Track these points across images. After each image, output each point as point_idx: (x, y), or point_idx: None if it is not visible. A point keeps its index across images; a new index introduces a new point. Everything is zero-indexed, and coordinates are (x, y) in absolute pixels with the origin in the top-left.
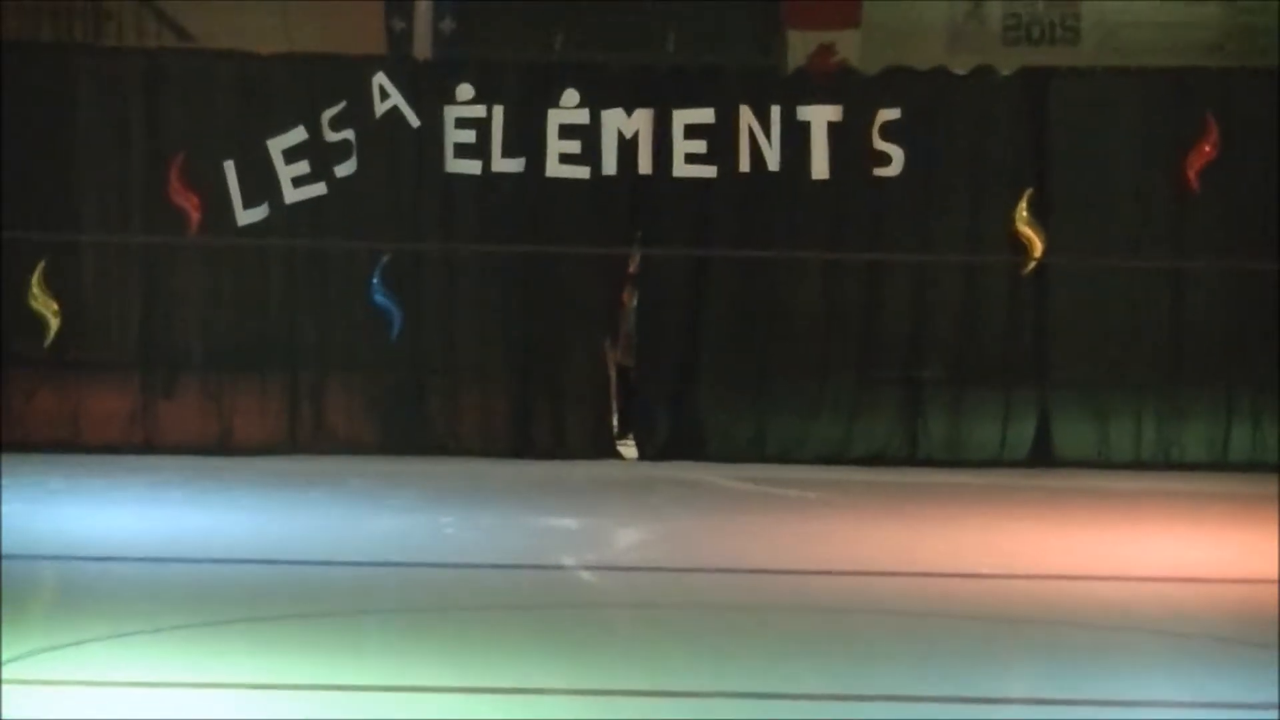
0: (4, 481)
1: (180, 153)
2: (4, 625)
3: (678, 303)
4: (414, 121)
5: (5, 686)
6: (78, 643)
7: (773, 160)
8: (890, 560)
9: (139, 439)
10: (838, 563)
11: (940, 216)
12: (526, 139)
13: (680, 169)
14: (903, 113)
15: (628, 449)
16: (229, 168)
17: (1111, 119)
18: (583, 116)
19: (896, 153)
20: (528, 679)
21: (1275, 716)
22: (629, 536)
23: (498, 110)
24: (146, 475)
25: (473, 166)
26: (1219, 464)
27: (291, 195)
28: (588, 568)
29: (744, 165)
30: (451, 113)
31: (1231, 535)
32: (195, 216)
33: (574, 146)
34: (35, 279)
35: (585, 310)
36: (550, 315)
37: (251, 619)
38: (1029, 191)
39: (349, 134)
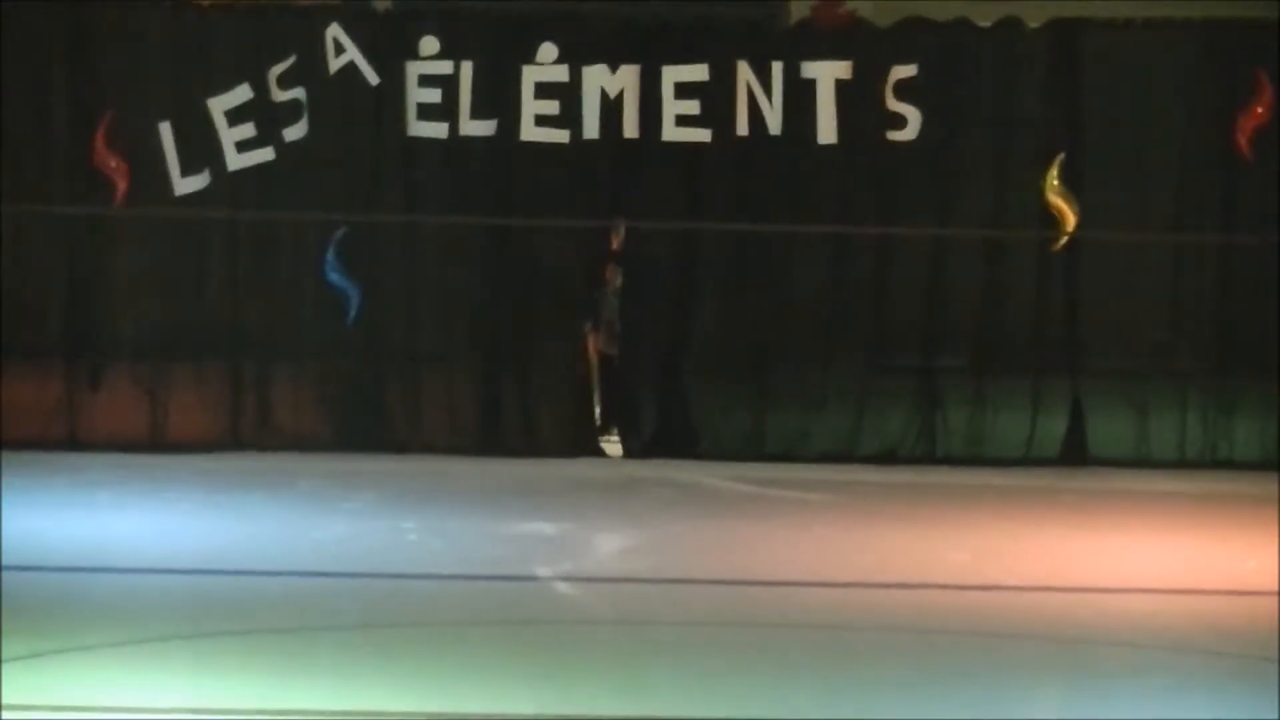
0: None
1: (108, 112)
2: None
3: (666, 282)
4: (372, 79)
5: None
6: None
7: (774, 123)
8: (903, 571)
9: (63, 434)
10: (844, 574)
11: (961, 186)
12: (498, 99)
13: (670, 132)
14: (919, 70)
15: (611, 446)
16: (165, 130)
17: (1153, 77)
18: (561, 74)
19: (912, 114)
20: (498, 702)
21: None
22: (611, 544)
23: (466, 66)
24: (71, 475)
25: (438, 129)
26: (1271, 463)
27: (235, 161)
28: (565, 579)
29: (742, 128)
30: (414, 69)
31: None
32: (121, 185)
33: (551, 107)
34: None
35: (563, 291)
36: (524, 296)
37: (188, 636)
38: (1060, 158)
39: (299, 93)
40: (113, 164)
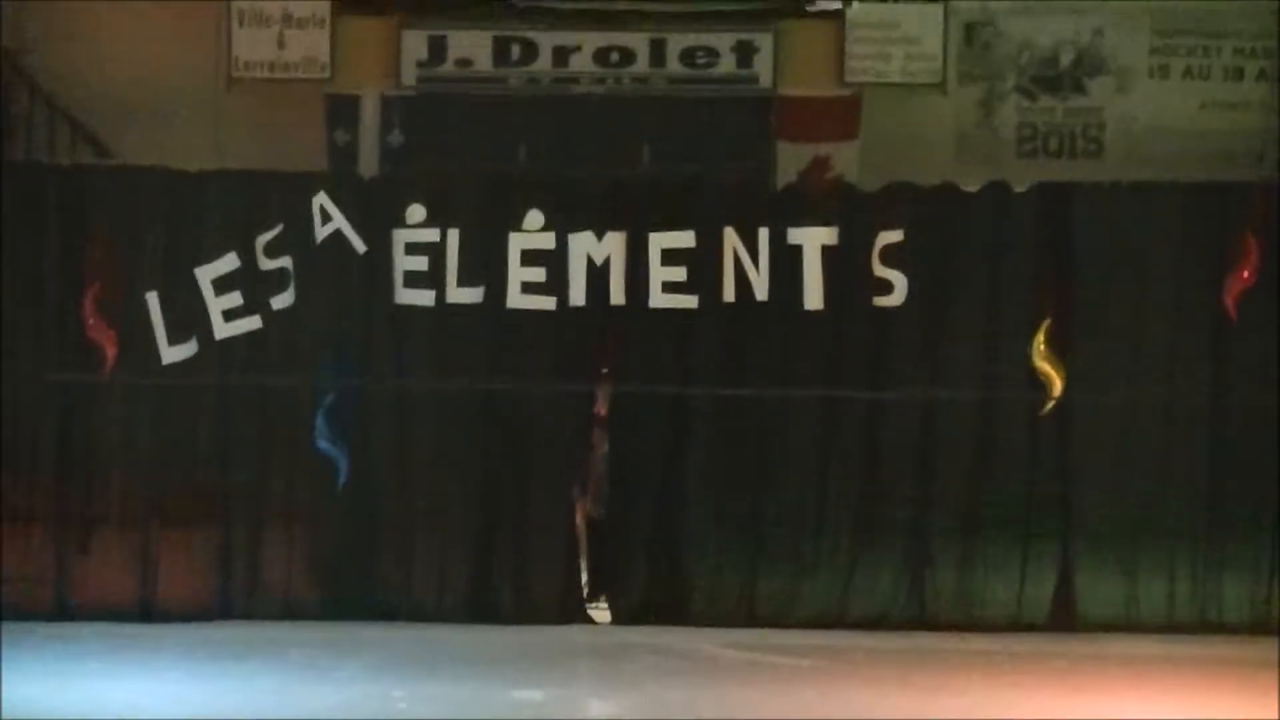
0: None
1: (96, 282)
2: None
3: (654, 447)
4: (359, 247)
5: None
6: None
7: (761, 289)
8: None
9: (50, 601)
10: None
11: (948, 350)
12: (485, 266)
13: (657, 299)
14: (906, 234)
15: (600, 612)
16: (152, 299)
17: (1140, 240)
18: (548, 241)
19: (899, 279)
20: None
21: None
22: (602, 709)
23: (453, 234)
24: (59, 643)
25: (425, 297)
26: (1262, 626)
27: (222, 330)
28: None
29: (728, 294)
30: (401, 237)
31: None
32: (111, 353)
33: (538, 274)
34: None
35: (551, 456)
36: (512, 461)
37: None
38: (1047, 322)
39: (286, 261)
40: (102, 332)
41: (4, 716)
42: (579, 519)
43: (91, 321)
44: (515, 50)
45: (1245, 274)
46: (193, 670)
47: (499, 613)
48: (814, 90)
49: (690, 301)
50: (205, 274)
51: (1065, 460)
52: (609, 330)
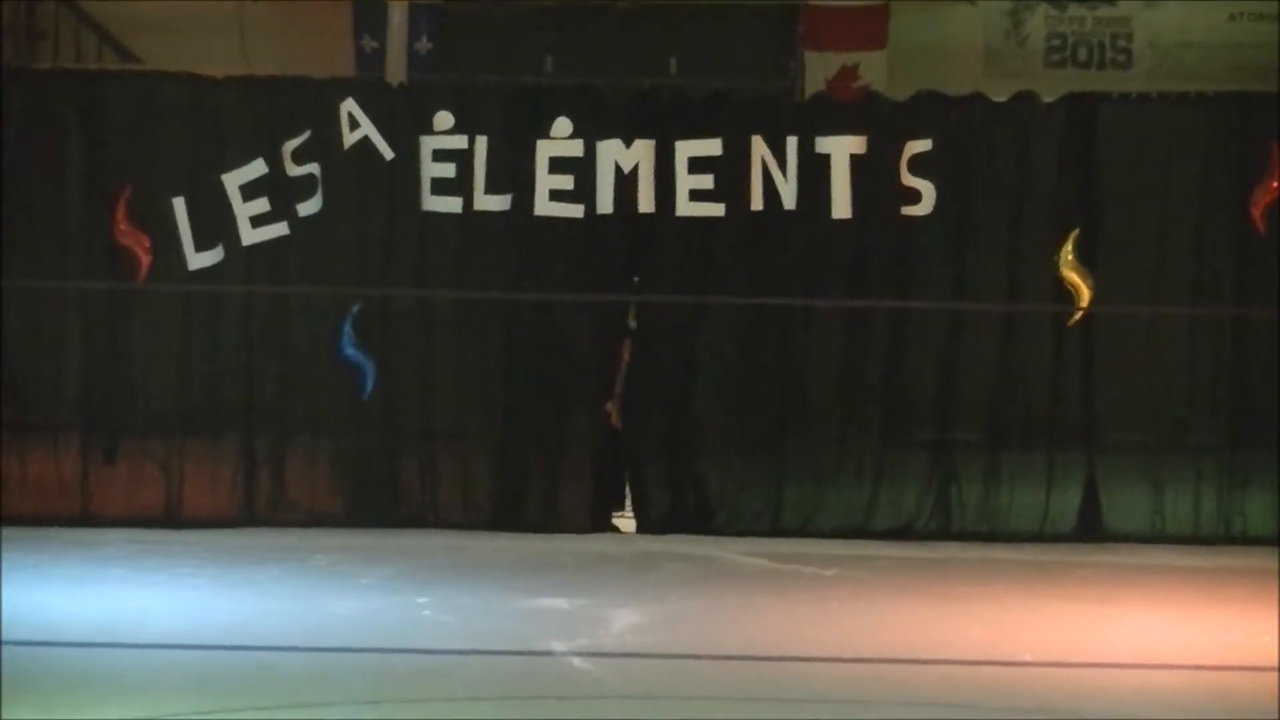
0: None
1: (127, 186)
2: None
3: (679, 356)
4: (387, 154)
5: None
6: None
7: (788, 197)
8: (919, 645)
9: (76, 509)
10: (860, 648)
11: (976, 260)
12: (513, 173)
13: (684, 207)
14: (934, 144)
15: (625, 522)
16: (178, 205)
17: (1168, 151)
18: (576, 148)
19: (927, 188)
20: None
21: None
22: (626, 619)
23: (480, 141)
24: (84, 549)
25: (453, 204)
26: None
27: (250, 236)
28: (580, 654)
29: (756, 203)
30: (429, 144)
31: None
32: (145, 259)
33: (566, 182)
34: None
35: (579, 365)
36: (540, 371)
37: (202, 713)
38: (1075, 232)
39: (314, 168)
40: (136, 239)
41: (24, 621)
42: (609, 430)
43: (124, 229)
44: None
45: (1274, 184)
46: (216, 576)
47: (524, 521)
48: None
49: (717, 210)
50: (232, 180)
51: (1091, 373)
52: (637, 238)
